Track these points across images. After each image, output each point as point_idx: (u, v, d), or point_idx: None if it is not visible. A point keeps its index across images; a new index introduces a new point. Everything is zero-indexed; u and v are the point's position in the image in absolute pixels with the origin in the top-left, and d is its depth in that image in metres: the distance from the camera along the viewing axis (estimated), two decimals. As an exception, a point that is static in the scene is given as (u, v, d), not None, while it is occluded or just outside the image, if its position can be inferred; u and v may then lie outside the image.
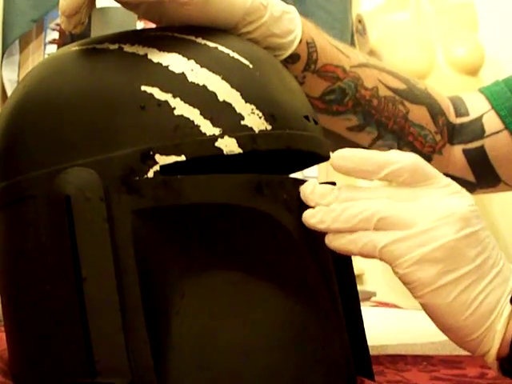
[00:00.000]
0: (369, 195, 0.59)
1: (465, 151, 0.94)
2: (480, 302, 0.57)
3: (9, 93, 2.74)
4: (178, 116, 0.58)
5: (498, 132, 0.93)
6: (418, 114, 0.90)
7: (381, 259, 0.58)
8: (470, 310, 0.57)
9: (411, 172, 0.59)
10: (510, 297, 0.58)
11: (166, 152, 0.57)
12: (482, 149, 0.93)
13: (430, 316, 0.59)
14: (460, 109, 0.95)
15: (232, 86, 0.60)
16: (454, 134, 0.94)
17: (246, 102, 0.60)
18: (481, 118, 0.94)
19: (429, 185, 0.59)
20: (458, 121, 0.95)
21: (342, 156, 0.60)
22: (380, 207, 0.58)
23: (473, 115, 0.95)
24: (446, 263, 0.56)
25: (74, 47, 0.64)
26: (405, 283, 0.58)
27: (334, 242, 0.59)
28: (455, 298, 0.56)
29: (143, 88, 0.59)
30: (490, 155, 0.93)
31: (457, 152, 0.94)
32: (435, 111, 0.91)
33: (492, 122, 0.93)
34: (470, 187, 0.96)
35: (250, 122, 0.59)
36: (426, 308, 0.58)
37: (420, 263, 0.56)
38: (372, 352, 0.69)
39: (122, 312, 0.56)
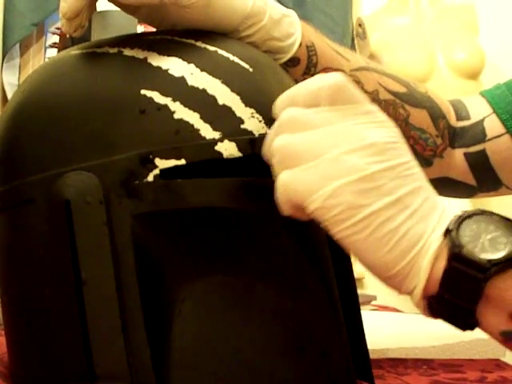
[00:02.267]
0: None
1: (466, 155, 0.94)
2: (400, 236, 0.53)
3: (9, 96, 2.74)
4: (178, 120, 0.58)
5: (499, 136, 0.93)
6: (419, 118, 0.90)
7: (294, 204, 0.54)
8: (389, 245, 0.53)
9: (331, 92, 0.56)
10: (438, 232, 0.54)
11: (165, 156, 0.57)
12: (483, 153, 0.93)
13: (352, 253, 0.56)
14: (461, 112, 0.95)
15: (232, 90, 0.60)
16: (455, 137, 0.94)
17: (246, 105, 0.60)
18: (482, 121, 0.94)
19: (349, 109, 0.56)
20: (459, 124, 0.95)
21: (281, 100, 0.58)
22: (282, 142, 0.55)
23: (474, 119, 0.95)
24: (360, 197, 0.53)
25: (73, 51, 0.64)
26: (320, 222, 0.54)
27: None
28: (372, 233, 0.53)
29: (143, 92, 0.59)
30: (492, 159, 0.93)
31: (458, 156, 0.94)
32: (436, 115, 0.91)
33: (493, 126, 0.93)
34: (472, 191, 0.96)
35: (250, 125, 0.59)
36: (345, 245, 0.55)
37: (331, 198, 0.52)
38: (372, 356, 0.69)
39: (121, 315, 0.56)
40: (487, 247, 0.52)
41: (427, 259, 0.53)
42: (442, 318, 0.55)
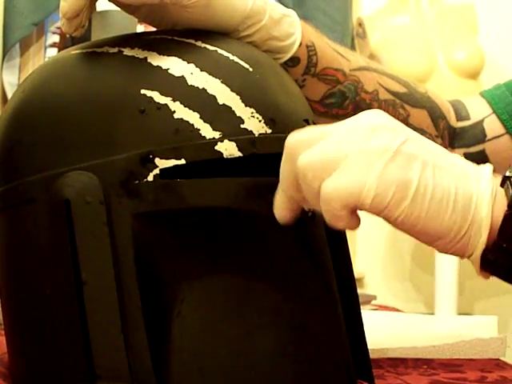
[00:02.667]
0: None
1: (466, 155, 0.94)
2: (454, 195, 0.53)
3: (9, 96, 2.74)
4: (178, 119, 0.58)
5: (499, 136, 0.93)
6: (419, 118, 0.90)
7: (350, 206, 0.54)
8: (449, 207, 0.53)
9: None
10: (484, 184, 0.55)
11: (165, 155, 0.57)
12: (483, 153, 0.93)
13: (416, 232, 0.55)
14: (461, 112, 0.95)
15: (232, 90, 0.60)
16: (454, 137, 0.94)
17: (246, 105, 0.60)
18: (482, 121, 0.94)
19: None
20: (459, 124, 0.95)
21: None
22: (306, 159, 0.55)
23: (474, 119, 0.95)
24: (404, 172, 0.53)
25: (73, 51, 0.64)
26: (380, 213, 0.54)
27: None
28: (431, 200, 0.53)
29: (143, 91, 0.59)
30: (491, 159, 0.93)
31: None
32: (436, 115, 0.91)
33: (493, 126, 0.93)
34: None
35: (250, 125, 0.59)
36: (410, 226, 0.54)
37: (381, 184, 0.53)
38: (372, 355, 0.69)
39: (121, 316, 0.56)
40: None
41: (485, 212, 0.54)
42: (497, 275, 0.55)
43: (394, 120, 0.56)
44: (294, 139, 0.56)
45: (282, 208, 0.58)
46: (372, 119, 0.55)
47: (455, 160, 0.56)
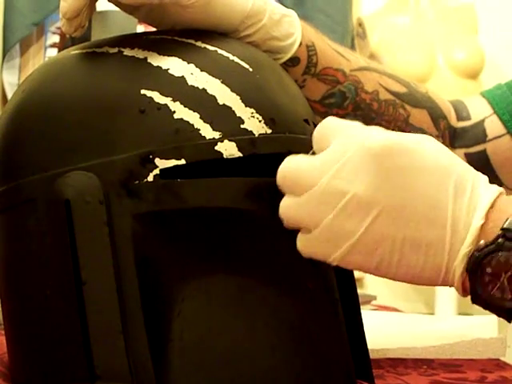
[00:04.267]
0: None
1: (466, 155, 0.94)
2: (424, 255, 0.55)
3: (9, 96, 2.74)
4: (178, 120, 0.58)
5: (500, 136, 0.93)
6: (419, 118, 0.89)
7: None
8: (418, 269, 0.55)
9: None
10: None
11: (165, 156, 0.57)
12: (483, 153, 0.93)
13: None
14: (462, 113, 0.95)
15: (232, 90, 0.60)
16: (455, 137, 0.94)
17: (246, 105, 0.60)
18: (483, 122, 0.94)
19: None
20: (460, 125, 0.95)
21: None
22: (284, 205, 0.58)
23: (474, 119, 0.94)
24: (368, 255, 0.56)
25: (73, 51, 0.64)
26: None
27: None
28: (397, 267, 0.55)
29: (143, 92, 0.59)
30: (492, 159, 0.93)
31: (458, 156, 0.94)
32: (436, 115, 0.91)
33: (494, 127, 0.93)
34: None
35: (250, 125, 0.59)
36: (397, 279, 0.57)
37: (344, 259, 0.56)
38: (372, 355, 0.69)
39: (121, 316, 0.56)
40: None
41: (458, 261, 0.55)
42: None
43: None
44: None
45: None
46: (349, 185, 0.55)
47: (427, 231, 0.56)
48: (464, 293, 0.56)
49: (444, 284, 0.57)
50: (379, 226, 0.55)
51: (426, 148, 0.56)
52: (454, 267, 0.55)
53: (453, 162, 0.57)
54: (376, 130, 0.58)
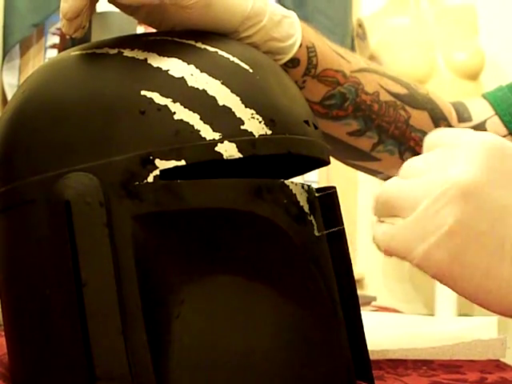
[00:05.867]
0: None
1: None
2: (500, 276, 0.51)
3: (9, 97, 2.74)
4: (178, 121, 0.58)
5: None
6: (420, 119, 0.90)
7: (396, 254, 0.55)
8: (493, 289, 0.52)
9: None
10: None
11: (165, 157, 0.57)
12: None
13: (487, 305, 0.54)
14: (463, 114, 0.95)
15: (232, 91, 0.60)
16: None
17: (246, 106, 0.60)
18: (484, 123, 0.94)
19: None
20: (461, 126, 0.95)
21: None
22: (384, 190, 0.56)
23: (476, 120, 0.95)
24: (451, 252, 0.52)
25: (73, 52, 0.64)
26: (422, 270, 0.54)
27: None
28: (470, 280, 0.52)
29: (143, 92, 0.59)
30: None
31: None
32: (437, 116, 0.91)
33: (495, 128, 0.93)
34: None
35: (250, 126, 0.59)
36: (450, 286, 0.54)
37: (427, 257, 0.52)
38: (372, 357, 0.69)
39: (121, 317, 0.56)
40: None
41: None
42: None
43: (496, 158, 0.53)
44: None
45: None
46: (461, 175, 0.52)
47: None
48: None
49: None
50: (479, 217, 0.52)
51: None
52: None
53: None
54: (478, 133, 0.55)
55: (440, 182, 0.52)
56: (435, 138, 0.57)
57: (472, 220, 0.51)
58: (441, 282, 0.54)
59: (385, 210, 0.55)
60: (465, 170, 0.52)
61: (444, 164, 0.53)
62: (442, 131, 0.57)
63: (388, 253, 0.55)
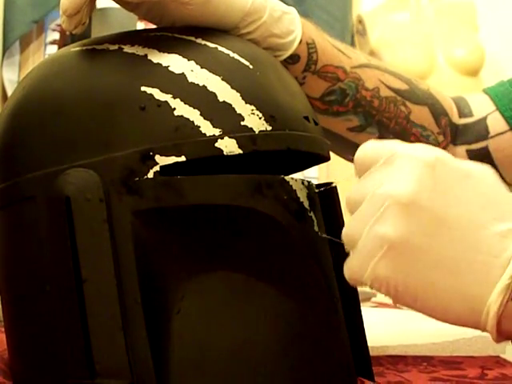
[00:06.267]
0: None
1: (468, 152, 0.94)
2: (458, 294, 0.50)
3: (9, 93, 2.74)
4: (178, 117, 0.58)
5: (502, 133, 0.93)
6: (420, 115, 0.89)
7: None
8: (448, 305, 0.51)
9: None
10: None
11: (166, 153, 0.57)
12: (486, 150, 0.93)
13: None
14: (464, 109, 0.95)
15: (232, 87, 0.60)
16: (457, 134, 0.94)
17: (246, 102, 0.60)
18: (485, 118, 0.94)
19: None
20: (462, 121, 0.94)
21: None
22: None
23: (477, 116, 0.94)
24: (391, 276, 0.52)
25: (73, 48, 0.64)
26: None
27: None
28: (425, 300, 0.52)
29: (143, 88, 0.59)
30: (494, 156, 0.93)
31: (460, 153, 0.94)
32: (438, 112, 0.91)
33: (496, 123, 0.93)
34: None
35: (250, 122, 0.59)
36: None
37: (374, 279, 0.52)
38: (372, 353, 0.69)
39: (121, 313, 0.56)
40: None
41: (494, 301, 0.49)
42: None
43: (435, 171, 0.52)
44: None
45: None
46: (398, 186, 0.52)
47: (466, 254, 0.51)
48: (499, 337, 0.50)
49: (474, 326, 0.51)
50: (418, 231, 0.51)
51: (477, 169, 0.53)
52: (489, 303, 0.49)
53: (505, 193, 0.52)
54: (420, 146, 0.54)
55: (378, 200, 0.52)
56: (369, 154, 0.56)
57: (410, 234, 0.51)
58: (395, 301, 0.54)
59: (348, 249, 0.55)
60: (401, 185, 0.51)
61: (380, 182, 0.53)
62: (371, 145, 0.56)
63: (354, 284, 0.55)
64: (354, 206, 0.54)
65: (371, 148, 0.56)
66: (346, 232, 0.55)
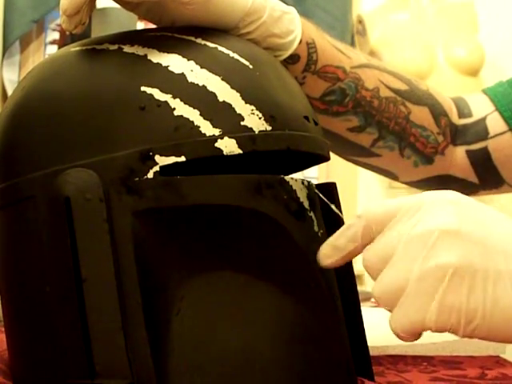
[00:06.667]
0: None
1: (468, 152, 0.94)
2: None
3: (9, 93, 2.74)
4: (178, 117, 0.58)
5: (501, 133, 0.93)
6: (420, 115, 0.89)
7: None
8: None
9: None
10: None
11: (165, 153, 0.57)
12: (485, 150, 0.93)
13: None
14: (463, 110, 0.95)
15: (232, 87, 0.60)
16: (456, 135, 0.94)
17: (246, 102, 0.60)
18: (484, 119, 0.94)
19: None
20: (461, 122, 0.95)
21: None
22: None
23: (476, 116, 0.94)
24: (462, 303, 0.51)
25: (73, 48, 0.64)
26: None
27: None
28: (495, 317, 0.51)
29: (143, 88, 0.59)
30: (494, 156, 0.93)
31: (460, 153, 0.94)
32: (437, 112, 0.91)
33: (496, 124, 0.93)
34: (473, 188, 0.96)
35: (250, 122, 0.59)
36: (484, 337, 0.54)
37: (441, 317, 0.51)
38: (372, 353, 0.69)
39: (121, 313, 0.56)
40: None
41: None
42: None
43: (463, 206, 0.53)
44: (370, 214, 0.55)
45: (327, 254, 0.58)
46: (438, 220, 0.52)
47: None
48: None
49: None
50: (474, 254, 0.51)
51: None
52: None
53: None
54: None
55: (421, 239, 0.52)
56: (379, 212, 0.55)
57: (470, 257, 0.51)
58: (466, 330, 0.53)
59: (389, 305, 0.55)
60: (442, 218, 0.52)
61: (413, 225, 0.52)
62: (377, 207, 0.56)
63: (406, 338, 0.54)
64: (381, 259, 0.53)
65: (380, 207, 0.56)
66: (381, 289, 0.54)
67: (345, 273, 0.67)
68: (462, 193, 0.56)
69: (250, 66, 0.62)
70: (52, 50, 2.87)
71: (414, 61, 2.66)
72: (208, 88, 0.59)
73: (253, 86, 0.61)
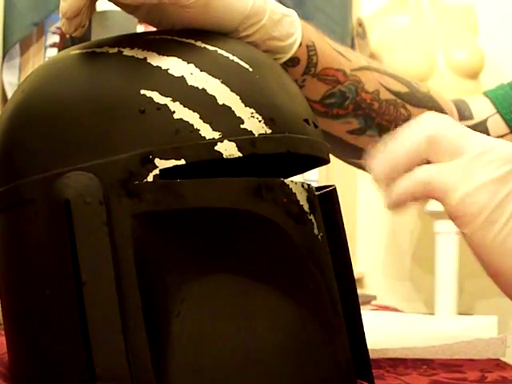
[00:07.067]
0: None
1: None
2: None
3: (9, 96, 2.74)
4: (178, 120, 0.58)
5: (503, 136, 0.93)
6: None
7: (432, 194, 0.55)
8: None
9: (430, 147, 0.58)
10: None
11: (165, 156, 0.57)
12: None
13: (477, 255, 0.55)
14: (464, 112, 0.95)
15: (232, 90, 0.60)
16: None
17: (246, 105, 0.60)
18: (485, 121, 0.94)
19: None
20: (463, 124, 0.95)
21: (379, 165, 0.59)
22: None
23: (477, 119, 0.94)
24: (498, 196, 0.53)
25: (73, 51, 0.64)
26: (454, 217, 0.54)
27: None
28: (506, 236, 0.52)
29: (142, 92, 0.59)
30: None
31: None
32: None
33: (497, 126, 0.93)
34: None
35: (250, 125, 0.59)
36: (472, 246, 0.54)
37: (470, 196, 0.53)
38: (372, 356, 0.69)
39: (121, 316, 0.56)
40: None
41: None
42: None
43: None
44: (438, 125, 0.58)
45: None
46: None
47: None
48: None
49: None
50: None
51: None
52: None
53: None
54: None
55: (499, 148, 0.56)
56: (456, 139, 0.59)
57: None
58: (464, 227, 0.54)
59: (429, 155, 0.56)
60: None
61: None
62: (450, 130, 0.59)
63: (423, 192, 0.55)
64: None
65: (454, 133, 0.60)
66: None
67: (345, 276, 0.67)
68: None
69: (250, 69, 0.62)
70: (52, 52, 2.88)
71: (414, 64, 2.67)
72: (208, 91, 0.59)
73: (252, 89, 0.61)
